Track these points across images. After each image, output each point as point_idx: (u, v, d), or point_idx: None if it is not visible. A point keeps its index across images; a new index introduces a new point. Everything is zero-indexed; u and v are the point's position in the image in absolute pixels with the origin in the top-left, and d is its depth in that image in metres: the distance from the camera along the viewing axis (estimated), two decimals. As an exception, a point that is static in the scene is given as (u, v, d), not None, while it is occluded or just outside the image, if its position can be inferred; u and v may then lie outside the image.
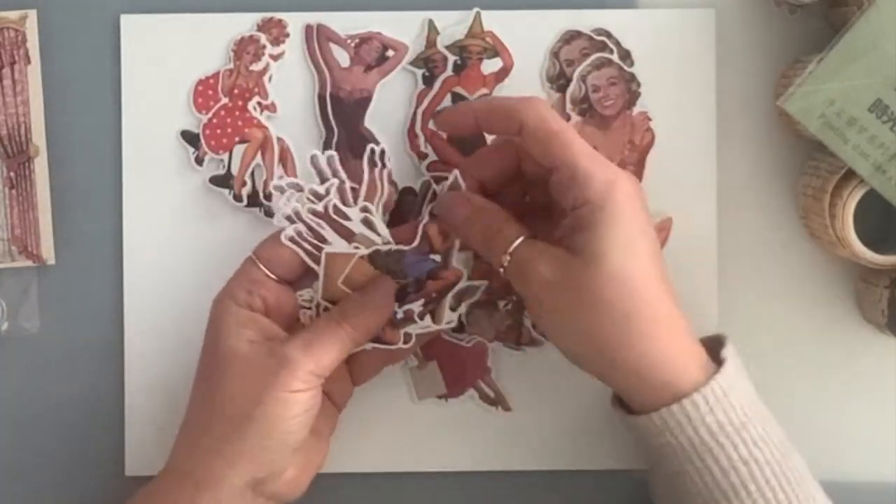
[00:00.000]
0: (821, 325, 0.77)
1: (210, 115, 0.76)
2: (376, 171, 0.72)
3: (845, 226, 0.71)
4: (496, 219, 0.69)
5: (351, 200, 0.71)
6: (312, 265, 0.71)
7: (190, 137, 0.76)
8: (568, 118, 0.76)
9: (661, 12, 0.77)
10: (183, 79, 0.76)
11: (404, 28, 0.76)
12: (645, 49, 0.77)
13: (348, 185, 0.71)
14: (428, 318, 0.72)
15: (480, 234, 0.69)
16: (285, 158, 0.76)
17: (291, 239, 0.70)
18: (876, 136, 0.69)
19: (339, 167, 0.71)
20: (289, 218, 0.71)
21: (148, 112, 0.76)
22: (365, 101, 0.76)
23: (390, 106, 0.76)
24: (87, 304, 0.77)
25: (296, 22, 0.76)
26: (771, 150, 0.77)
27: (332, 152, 0.72)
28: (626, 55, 0.77)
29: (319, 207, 0.71)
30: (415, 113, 0.76)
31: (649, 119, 0.77)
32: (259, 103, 0.76)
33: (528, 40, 0.77)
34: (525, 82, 0.77)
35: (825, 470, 0.76)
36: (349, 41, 0.76)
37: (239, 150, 0.76)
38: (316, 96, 0.76)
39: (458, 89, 0.76)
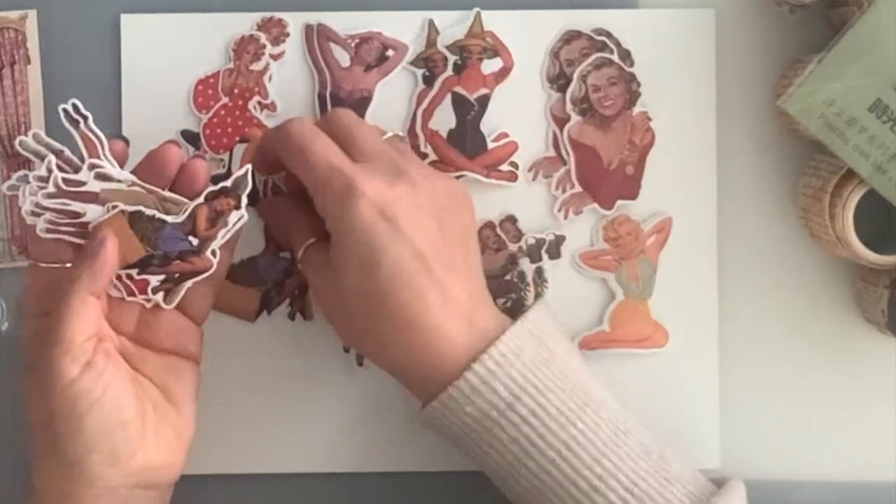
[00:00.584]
0: (821, 325, 0.77)
1: (210, 114, 0.76)
2: (82, 126, 0.68)
3: (845, 226, 0.71)
4: (294, 220, 0.72)
5: (79, 163, 0.68)
6: (80, 242, 0.68)
7: (190, 137, 0.76)
8: (568, 118, 0.76)
9: (661, 12, 0.77)
10: (183, 78, 0.76)
11: (404, 28, 0.76)
12: (645, 49, 0.77)
13: (67, 152, 0.68)
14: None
15: (283, 236, 0.74)
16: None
17: (48, 230, 0.68)
18: (876, 136, 0.69)
19: (50, 140, 0.68)
20: (33, 213, 0.68)
21: (148, 112, 0.76)
22: (365, 101, 0.76)
23: (390, 106, 0.76)
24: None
25: (296, 21, 0.76)
26: (771, 150, 0.77)
27: (35, 130, 0.68)
28: (626, 55, 0.77)
29: (51, 188, 0.67)
30: (415, 113, 0.76)
31: (649, 119, 0.77)
32: (259, 103, 0.76)
33: (528, 40, 0.77)
34: (525, 82, 0.77)
35: (825, 470, 0.77)
36: (349, 41, 0.76)
37: (239, 149, 0.76)
38: (316, 96, 0.76)
39: (458, 89, 0.76)
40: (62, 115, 0.67)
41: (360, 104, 0.76)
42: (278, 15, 0.76)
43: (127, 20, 0.77)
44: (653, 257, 0.77)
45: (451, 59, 0.76)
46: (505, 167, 0.77)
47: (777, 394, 0.77)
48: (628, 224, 0.77)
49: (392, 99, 0.76)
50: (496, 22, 0.76)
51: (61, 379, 0.64)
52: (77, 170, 0.68)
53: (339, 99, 0.76)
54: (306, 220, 0.70)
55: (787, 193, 0.77)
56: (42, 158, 0.67)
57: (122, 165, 0.69)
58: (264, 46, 0.76)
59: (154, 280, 0.69)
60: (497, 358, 0.66)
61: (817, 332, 0.76)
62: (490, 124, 0.77)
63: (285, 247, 0.76)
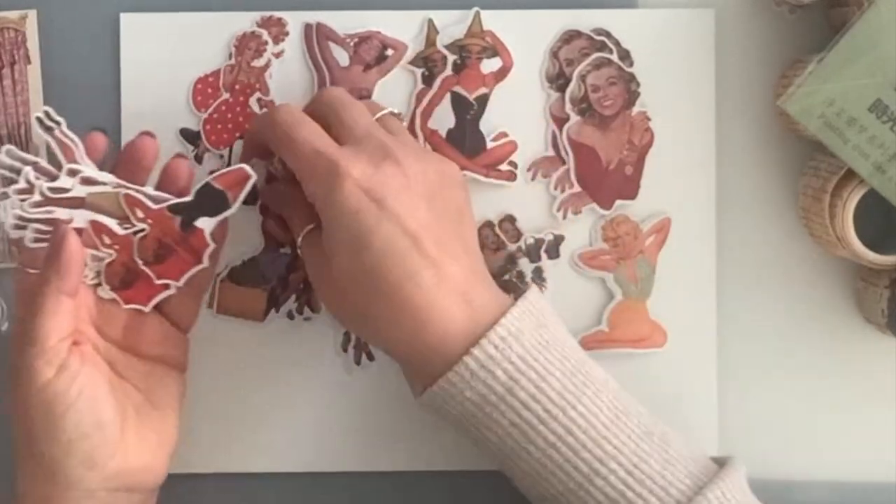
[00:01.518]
0: (821, 325, 0.77)
1: (210, 110, 0.76)
2: (56, 132, 0.68)
3: (845, 226, 0.71)
4: (288, 210, 0.73)
5: (56, 172, 0.68)
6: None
7: (189, 135, 0.76)
8: (567, 118, 0.76)
9: (661, 12, 0.77)
10: (182, 77, 0.76)
11: (404, 27, 0.76)
12: (645, 49, 0.76)
13: (43, 162, 0.68)
14: None
15: (287, 217, 0.73)
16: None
17: (36, 240, 0.68)
18: (876, 136, 0.69)
19: (23, 153, 0.68)
20: (17, 227, 0.68)
21: (147, 110, 0.76)
22: (364, 100, 0.76)
23: (390, 105, 0.76)
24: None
25: (295, 21, 0.76)
26: (771, 150, 0.77)
27: (7, 146, 0.68)
28: (625, 55, 0.77)
29: (37, 197, 0.68)
30: (414, 112, 0.76)
31: (649, 119, 0.77)
32: (260, 99, 0.76)
33: (527, 40, 0.76)
34: (524, 82, 0.77)
35: (825, 470, 0.76)
36: (348, 40, 0.76)
37: (239, 145, 0.76)
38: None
39: (458, 89, 0.76)
40: (36, 123, 0.67)
41: (360, 103, 0.76)
42: (278, 14, 0.76)
43: (126, 19, 0.77)
44: (652, 257, 0.77)
45: (451, 58, 0.76)
46: (504, 167, 0.77)
47: (776, 394, 0.77)
48: (627, 224, 0.77)
49: (391, 98, 0.76)
50: (496, 21, 0.76)
51: (36, 381, 0.64)
52: (55, 178, 0.68)
53: (339, 98, 0.76)
54: (303, 206, 0.70)
55: (787, 193, 0.77)
56: (18, 173, 0.67)
57: (101, 156, 0.69)
58: (266, 43, 0.76)
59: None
60: (496, 342, 0.65)
61: (817, 332, 0.76)
62: (489, 124, 0.76)
63: (287, 237, 0.75)
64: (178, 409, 0.71)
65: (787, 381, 0.77)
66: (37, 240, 0.68)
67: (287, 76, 0.77)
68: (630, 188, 0.77)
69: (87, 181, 0.68)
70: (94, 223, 0.68)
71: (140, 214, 0.68)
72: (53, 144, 0.68)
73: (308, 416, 0.76)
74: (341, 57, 0.76)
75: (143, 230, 0.69)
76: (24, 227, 0.68)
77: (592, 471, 0.64)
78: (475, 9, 0.76)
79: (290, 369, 0.77)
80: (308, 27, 0.76)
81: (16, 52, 0.77)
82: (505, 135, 0.76)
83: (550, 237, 0.77)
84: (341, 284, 0.67)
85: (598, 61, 0.76)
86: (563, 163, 0.77)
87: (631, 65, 0.77)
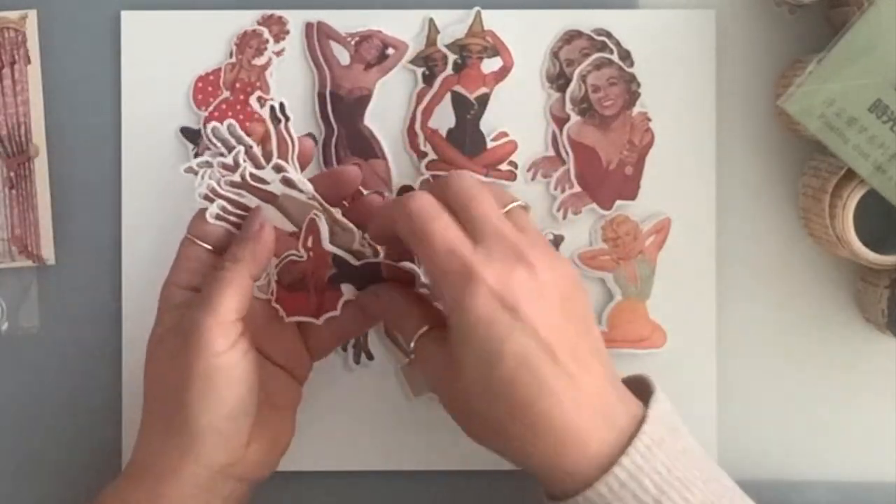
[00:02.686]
0: (821, 325, 0.77)
1: (211, 108, 0.76)
2: (281, 126, 0.70)
3: (845, 226, 0.71)
4: (399, 313, 0.69)
5: (263, 163, 0.70)
6: None
7: (189, 134, 0.76)
8: (567, 118, 0.76)
9: (662, 12, 0.77)
10: (182, 75, 0.76)
11: (404, 26, 0.76)
12: (645, 49, 0.77)
13: (256, 148, 0.70)
14: None
15: (392, 325, 0.72)
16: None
17: (217, 216, 0.69)
18: (876, 136, 0.69)
19: (242, 133, 0.70)
20: (206, 197, 0.69)
21: (148, 109, 0.77)
22: (364, 100, 0.76)
23: (390, 104, 0.76)
24: (86, 304, 0.77)
25: (296, 19, 0.76)
26: (771, 150, 0.77)
27: (231, 121, 0.70)
28: (626, 55, 0.77)
29: (236, 177, 0.69)
30: (414, 111, 0.76)
31: (649, 119, 0.77)
32: (260, 97, 0.76)
33: (528, 40, 0.77)
34: (525, 82, 0.77)
35: (825, 470, 0.76)
36: (349, 39, 0.76)
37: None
38: (315, 94, 0.76)
39: (458, 88, 0.76)
40: (268, 111, 0.70)
41: (360, 102, 0.76)
42: (279, 12, 0.76)
43: (127, 17, 0.77)
44: (651, 258, 0.77)
45: (451, 58, 0.76)
46: (504, 166, 0.77)
47: (776, 394, 0.77)
48: (627, 224, 0.77)
49: (391, 97, 0.76)
50: (496, 21, 0.76)
51: (210, 348, 0.65)
52: (259, 167, 0.69)
53: (339, 97, 0.76)
54: (417, 306, 0.69)
55: (787, 193, 0.77)
56: (229, 148, 0.69)
57: (308, 163, 0.71)
58: (267, 41, 0.76)
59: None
60: (643, 451, 0.62)
61: (817, 332, 0.76)
62: (489, 123, 0.77)
63: (393, 333, 0.75)
64: (294, 414, 0.72)
65: (787, 381, 0.77)
66: (218, 217, 0.69)
67: (288, 75, 0.77)
68: (630, 188, 0.77)
69: (288, 182, 0.70)
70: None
71: (309, 244, 0.70)
72: (274, 138, 0.70)
73: (307, 415, 0.76)
74: (342, 56, 0.76)
75: (300, 257, 0.70)
76: (211, 200, 0.69)
77: None
78: (476, 8, 0.76)
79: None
80: (309, 26, 0.76)
81: (16, 52, 0.77)
82: (505, 134, 0.77)
83: (550, 237, 0.77)
84: (469, 395, 0.63)
85: (598, 61, 0.77)
86: (563, 163, 0.77)
87: (631, 65, 0.77)
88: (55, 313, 0.78)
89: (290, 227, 0.71)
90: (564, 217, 0.77)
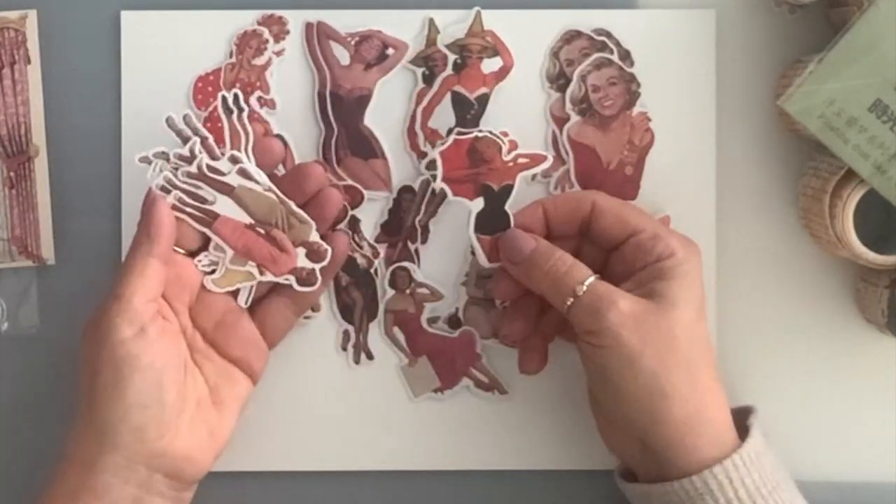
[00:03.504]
0: (821, 325, 0.77)
1: (211, 108, 0.76)
2: (234, 117, 0.71)
3: (845, 226, 0.71)
4: (565, 255, 0.70)
5: (219, 153, 0.71)
6: (201, 229, 0.71)
7: (189, 134, 0.76)
8: (567, 118, 0.76)
9: (662, 12, 0.77)
10: (182, 75, 0.76)
11: (405, 26, 0.76)
12: (645, 49, 0.77)
13: (210, 140, 0.71)
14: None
15: (550, 270, 0.70)
16: (285, 154, 0.76)
17: (174, 207, 0.70)
18: (876, 136, 0.69)
19: (198, 124, 0.71)
20: (163, 188, 0.70)
21: (147, 109, 0.76)
22: (365, 100, 0.76)
23: (390, 104, 0.76)
24: (87, 304, 0.77)
25: (296, 19, 0.76)
26: (771, 150, 0.77)
27: (187, 112, 0.72)
28: (626, 55, 0.77)
29: (193, 168, 0.70)
30: (414, 111, 0.76)
31: (649, 119, 0.77)
32: (260, 98, 0.76)
33: (528, 40, 0.77)
34: (525, 82, 0.77)
35: (825, 470, 0.76)
36: (349, 39, 0.76)
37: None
38: (315, 94, 0.76)
39: (458, 88, 0.76)
40: (220, 101, 0.71)
41: (360, 102, 0.76)
42: (279, 12, 0.76)
43: (127, 17, 0.77)
44: (652, 257, 0.77)
45: (451, 57, 0.76)
46: (504, 166, 0.77)
47: (776, 394, 0.77)
48: (627, 224, 0.76)
49: (392, 97, 0.76)
50: (496, 21, 0.76)
51: (113, 336, 0.66)
52: (216, 158, 0.70)
53: (339, 97, 0.76)
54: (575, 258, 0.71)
55: (787, 193, 0.77)
56: (184, 139, 0.70)
57: (275, 164, 0.73)
58: (267, 41, 0.76)
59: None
60: (759, 436, 0.68)
61: (817, 332, 0.76)
62: (489, 123, 0.76)
63: (534, 278, 0.72)
64: (237, 413, 0.72)
65: (787, 381, 0.77)
66: (174, 207, 0.70)
67: (288, 75, 0.77)
68: (630, 188, 0.77)
69: (244, 174, 0.71)
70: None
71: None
72: (227, 128, 0.71)
73: (307, 414, 0.76)
74: (342, 56, 0.76)
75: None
76: (168, 191, 0.70)
77: None
78: (476, 8, 0.76)
79: (290, 368, 0.77)
80: (309, 26, 0.76)
81: (16, 52, 0.77)
82: (505, 134, 0.76)
83: (550, 237, 0.77)
84: (671, 331, 0.68)
85: (598, 61, 0.77)
86: (564, 163, 0.77)
87: (631, 65, 0.77)
88: (55, 313, 0.78)
89: (247, 219, 0.71)
90: (565, 217, 0.77)
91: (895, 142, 0.69)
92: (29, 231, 0.77)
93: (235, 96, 0.72)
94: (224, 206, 0.71)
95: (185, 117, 0.71)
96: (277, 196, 0.71)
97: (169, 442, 0.67)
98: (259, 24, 0.76)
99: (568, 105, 0.76)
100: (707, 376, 0.68)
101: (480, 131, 0.74)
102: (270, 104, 0.76)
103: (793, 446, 0.76)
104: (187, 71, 0.76)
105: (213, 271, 0.72)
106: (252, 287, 0.73)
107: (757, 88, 0.77)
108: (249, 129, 0.71)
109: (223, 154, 0.71)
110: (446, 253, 0.76)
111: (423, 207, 0.75)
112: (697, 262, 0.70)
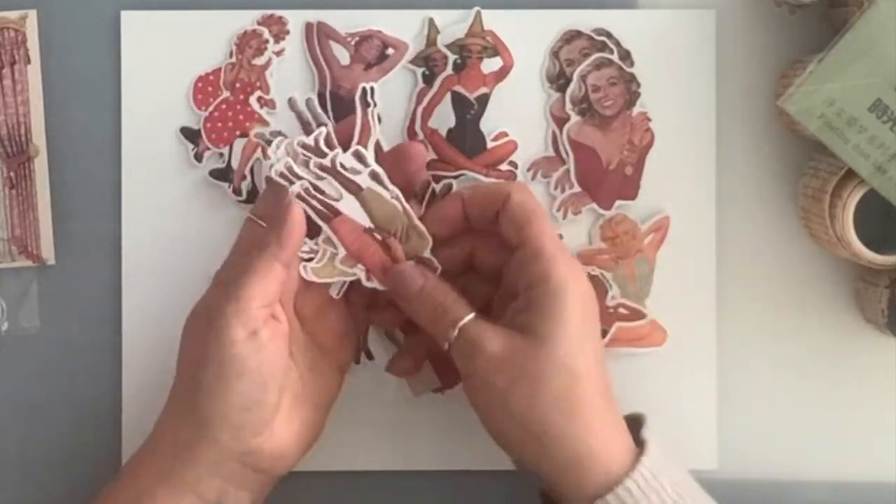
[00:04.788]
0: (821, 325, 0.77)
1: (211, 108, 0.76)
2: (369, 111, 0.71)
3: (845, 226, 0.71)
4: (447, 296, 0.69)
5: (336, 143, 0.70)
6: (320, 223, 0.70)
7: (189, 134, 0.76)
8: (567, 118, 0.76)
9: (662, 12, 0.77)
10: (183, 75, 0.76)
11: (404, 26, 0.76)
12: (645, 49, 0.77)
13: (330, 130, 0.70)
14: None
15: (430, 309, 0.69)
16: (285, 154, 0.76)
17: (298, 196, 0.69)
18: (876, 136, 0.69)
19: (320, 110, 0.71)
20: (282, 176, 0.69)
21: (148, 109, 0.77)
22: (365, 100, 0.77)
23: (390, 104, 0.76)
24: (86, 304, 0.77)
25: (296, 19, 0.76)
26: (771, 150, 0.77)
27: (311, 96, 0.71)
28: (626, 55, 0.77)
29: (326, 162, 0.69)
30: (414, 111, 0.76)
31: (649, 119, 0.77)
32: (260, 98, 0.76)
33: (528, 40, 0.77)
34: (525, 82, 0.77)
35: (825, 470, 0.76)
36: (349, 39, 0.76)
37: (239, 143, 0.76)
38: (315, 94, 0.76)
39: (458, 88, 0.76)
40: (359, 92, 0.71)
41: (360, 102, 0.76)
42: (279, 12, 0.76)
43: (127, 17, 0.77)
44: (650, 256, 0.77)
45: (451, 58, 0.76)
46: (504, 166, 0.77)
47: (776, 393, 0.77)
48: (625, 223, 0.76)
49: (392, 97, 0.76)
50: (496, 21, 0.76)
51: (225, 336, 0.65)
52: (333, 147, 0.69)
53: (339, 97, 0.76)
54: (458, 295, 0.69)
55: (787, 193, 0.77)
56: (305, 123, 0.71)
57: (413, 165, 0.71)
58: (267, 41, 0.76)
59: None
60: (655, 452, 0.66)
61: (817, 332, 0.76)
62: (489, 123, 0.76)
63: (420, 317, 0.70)
64: (327, 410, 0.72)
65: (787, 381, 0.77)
66: (300, 197, 0.69)
67: (288, 75, 0.76)
68: (630, 188, 0.77)
69: (376, 177, 0.70)
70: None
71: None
72: (359, 121, 0.70)
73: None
74: (342, 56, 0.76)
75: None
76: (288, 181, 0.69)
77: None
78: (476, 8, 0.76)
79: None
80: (309, 26, 0.76)
81: (16, 52, 0.77)
82: (505, 135, 0.77)
83: (550, 237, 0.77)
84: (541, 369, 0.65)
85: (598, 61, 0.77)
86: (563, 163, 0.77)
87: (631, 65, 0.77)
88: (55, 313, 0.78)
89: (367, 223, 0.70)
90: (564, 217, 0.77)
91: (895, 142, 0.69)
92: (29, 231, 0.77)
93: (371, 90, 0.71)
94: (348, 205, 0.70)
95: (307, 101, 0.71)
96: (402, 206, 0.70)
97: (264, 441, 0.67)
98: (259, 24, 0.76)
99: (568, 105, 0.76)
100: (589, 410, 0.66)
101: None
102: (270, 104, 0.76)
103: (792, 446, 0.76)
104: (187, 71, 0.76)
105: (310, 259, 0.70)
106: (346, 281, 0.72)
107: (757, 88, 0.77)
108: (377, 125, 0.71)
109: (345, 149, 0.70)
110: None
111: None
112: (576, 292, 0.66)
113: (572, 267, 0.68)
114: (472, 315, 0.68)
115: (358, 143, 0.70)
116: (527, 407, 0.65)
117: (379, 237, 0.71)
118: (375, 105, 0.71)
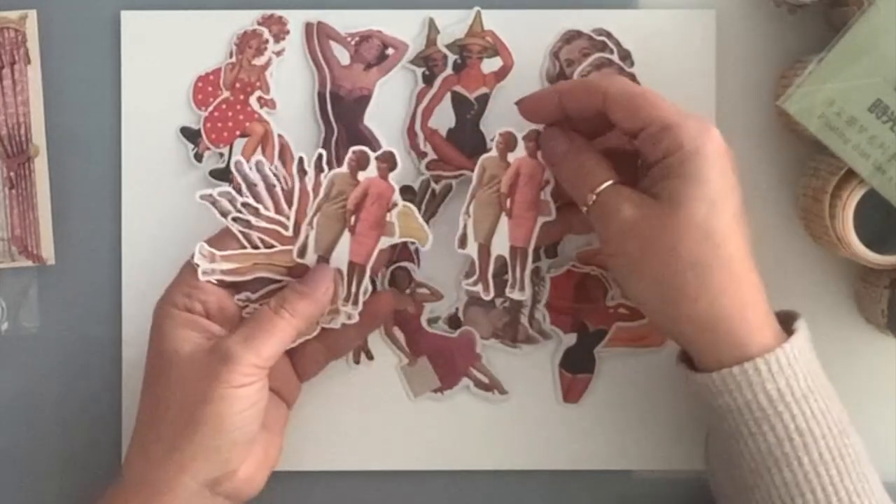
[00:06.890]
0: (821, 325, 0.76)
1: (211, 108, 0.76)
2: (306, 179, 0.72)
3: (845, 226, 0.71)
4: (590, 159, 0.70)
5: (284, 206, 0.72)
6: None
7: (189, 134, 0.76)
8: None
9: (661, 12, 0.77)
10: (182, 75, 0.77)
11: (404, 26, 0.77)
12: (645, 49, 0.77)
13: (278, 188, 0.72)
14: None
15: (573, 171, 0.70)
16: (285, 154, 0.76)
17: (235, 219, 0.72)
18: (876, 136, 0.69)
19: (269, 171, 0.72)
20: (237, 219, 0.72)
21: (147, 109, 0.77)
22: (364, 100, 0.76)
23: (390, 104, 0.76)
24: (86, 304, 0.77)
25: (296, 19, 0.76)
26: (771, 150, 0.77)
27: (260, 158, 0.72)
28: (626, 55, 0.77)
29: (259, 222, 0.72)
30: (414, 111, 0.76)
31: (649, 119, 0.77)
32: (260, 98, 0.76)
33: (528, 40, 0.77)
34: (525, 82, 0.77)
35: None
36: (349, 39, 0.76)
37: (239, 143, 0.76)
38: (315, 94, 0.76)
39: (458, 88, 0.76)
40: (296, 161, 0.72)
41: (360, 102, 0.76)
42: (279, 12, 0.76)
43: (127, 17, 0.77)
44: (652, 257, 0.76)
45: (451, 58, 0.76)
46: (504, 167, 0.77)
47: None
48: (626, 223, 0.76)
49: (392, 97, 0.76)
50: (496, 21, 0.76)
51: (237, 380, 0.67)
52: (280, 206, 0.72)
53: (339, 97, 0.76)
54: (601, 160, 0.70)
55: (787, 194, 0.77)
56: (249, 185, 0.72)
57: (378, 322, 0.76)
58: (267, 41, 0.76)
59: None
60: (800, 342, 0.66)
61: (817, 332, 0.75)
62: (489, 123, 0.76)
63: (562, 179, 0.72)
64: (282, 435, 0.74)
65: (788, 381, 0.77)
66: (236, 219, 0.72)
67: (288, 75, 0.77)
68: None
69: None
70: None
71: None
72: (297, 189, 0.72)
73: (307, 414, 0.76)
74: (342, 56, 0.76)
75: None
76: (244, 223, 0.72)
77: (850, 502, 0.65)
78: (476, 8, 0.76)
79: (290, 368, 0.77)
80: (309, 26, 0.76)
81: (16, 52, 0.77)
82: (514, 140, 0.76)
83: (550, 237, 0.77)
84: (675, 237, 0.65)
85: (598, 61, 0.77)
86: (564, 163, 0.77)
87: (631, 65, 0.77)
88: (55, 313, 0.78)
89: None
90: (564, 217, 0.77)
91: (895, 142, 0.69)
92: (29, 231, 0.77)
93: (301, 160, 0.72)
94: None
95: (257, 163, 0.71)
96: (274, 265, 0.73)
97: (238, 468, 0.69)
98: (259, 24, 0.76)
99: (568, 105, 0.76)
100: (726, 275, 0.65)
101: (593, 270, 0.76)
102: (270, 104, 0.76)
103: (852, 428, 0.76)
104: (187, 71, 0.76)
105: (247, 305, 0.72)
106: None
107: (757, 88, 0.77)
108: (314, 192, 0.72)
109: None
110: (446, 253, 0.76)
111: (422, 207, 0.75)
112: (711, 151, 0.66)
113: (701, 126, 0.67)
114: (611, 181, 0.68)
115: (296, 210, 0.72)
116: (662, 270, 0.66)
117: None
118: (305, 174, 0.72)
